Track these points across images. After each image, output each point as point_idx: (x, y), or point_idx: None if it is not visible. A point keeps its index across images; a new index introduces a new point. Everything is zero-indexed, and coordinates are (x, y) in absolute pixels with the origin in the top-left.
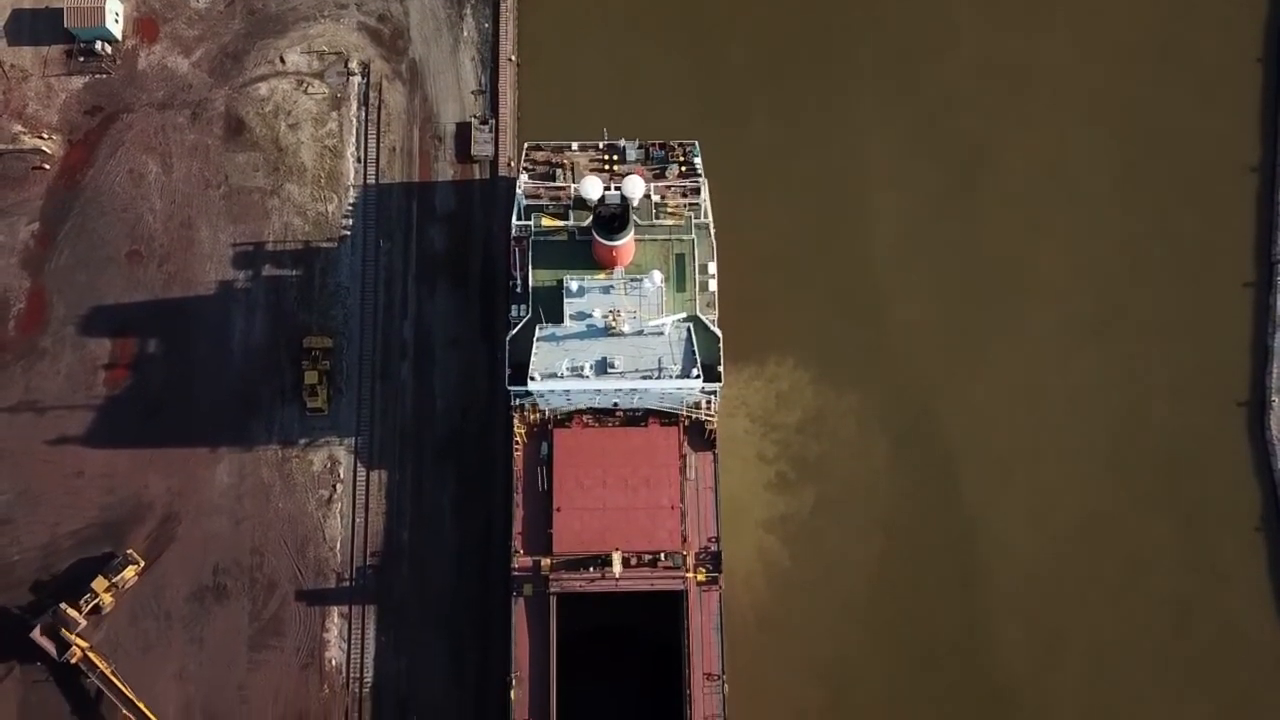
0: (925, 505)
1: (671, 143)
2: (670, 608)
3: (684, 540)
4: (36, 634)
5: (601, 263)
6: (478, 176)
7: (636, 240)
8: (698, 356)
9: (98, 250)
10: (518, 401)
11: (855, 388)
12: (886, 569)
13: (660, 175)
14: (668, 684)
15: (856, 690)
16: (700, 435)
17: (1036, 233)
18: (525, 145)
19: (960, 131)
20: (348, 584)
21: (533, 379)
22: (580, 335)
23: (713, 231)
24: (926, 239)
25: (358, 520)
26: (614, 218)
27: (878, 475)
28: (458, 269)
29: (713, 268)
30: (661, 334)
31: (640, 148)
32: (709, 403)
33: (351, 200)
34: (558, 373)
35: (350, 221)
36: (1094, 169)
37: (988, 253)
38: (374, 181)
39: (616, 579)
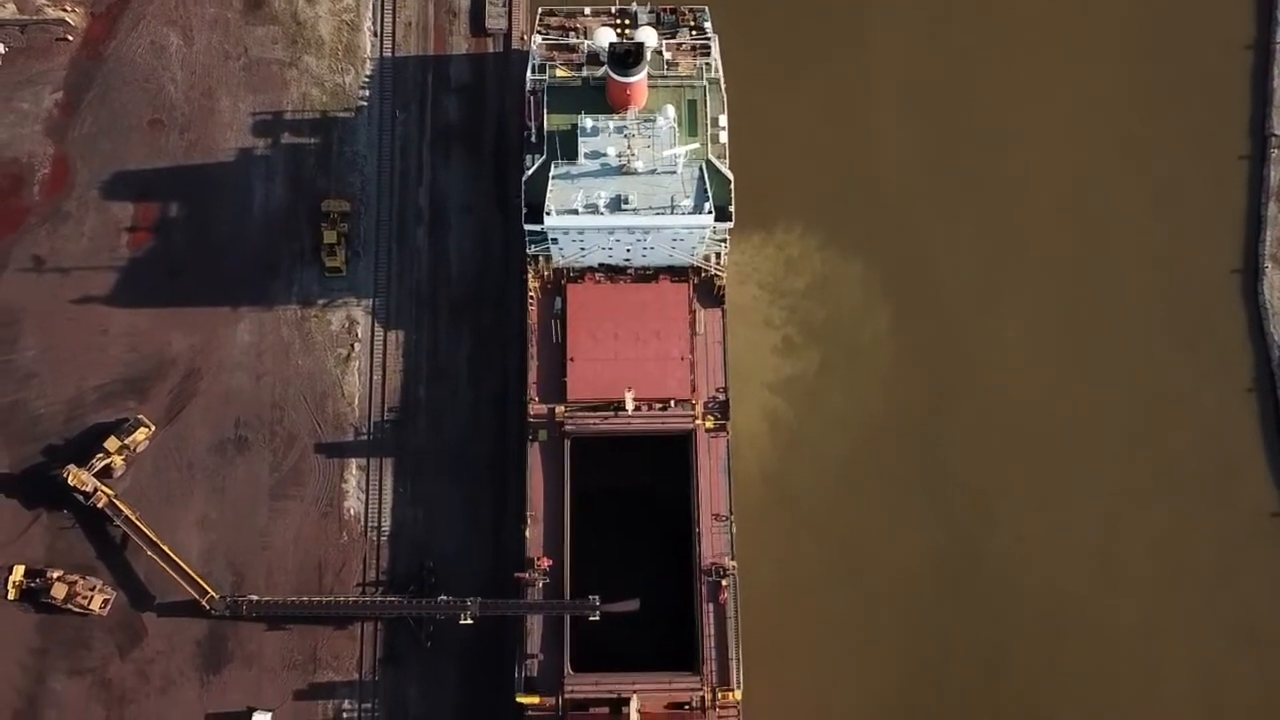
0: (926, 365)
1: (682, 8)
2: (680, 463)
3: (693, 390)
4: (65, 480)
5: (616, 104)
6: (491, 50)
7: (650, 86)
8: (710, 194)
9: (120, 118)
10: (533, 251)
11: (861, 253)
12: (888, 426)
13: (671, 38)
14: (678, 539)
15: (858, 536)
16: (709, 292)
17: (1037, 107)
18: (539, 10)
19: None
20: (365, 437)
21: (548, 214)
22: (595, 174)
23: (723, 87)
24: (931, 108)
25: (375, 377)
26: (628, 53)
27: (881, 338)
28: (472, 139)
29: (723, 120)
30: (674, 173)
31: (651, 12)
32: (719, 256)
33: (368, 72)
34: (573, 208)
35: (367, 93)
36: (1096, 46)
37: (989, 123)
38: (390, 54)
39: (629, 415)
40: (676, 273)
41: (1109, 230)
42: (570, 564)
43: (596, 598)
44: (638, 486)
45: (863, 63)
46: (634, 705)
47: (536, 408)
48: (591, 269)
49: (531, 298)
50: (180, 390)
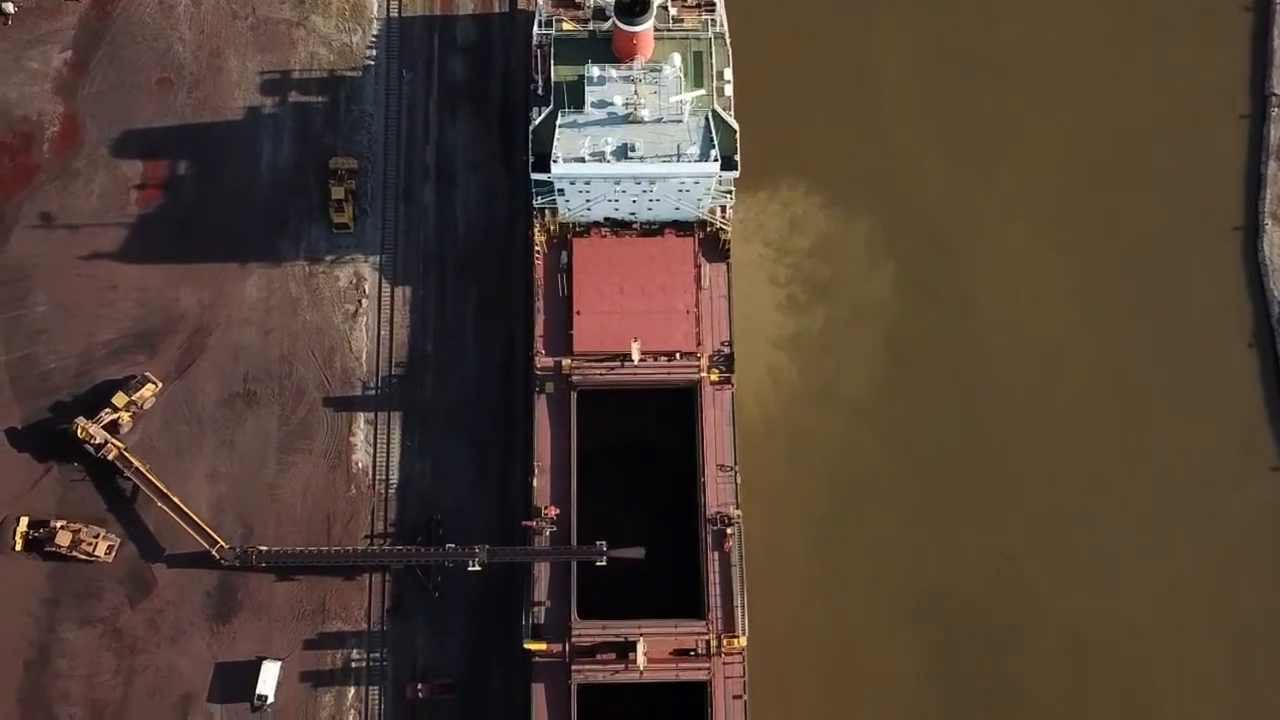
0: (928, 322)
1: None
2: (685, 419)
3: (698, 343)
4: (75, 432)
5: (622, 55)
6: (497, 9)
7: (656, 39)
8: (716, 142)
9: (129, 77)
10: (539, 204)
11: (865, 212)
12: (890, 381)
13: None
14: (683, 494)
15: (862, 489)
16: (715, 247)
17: (1042, 68)
18: None
19: None
20: (373, 392)
21: (555, 162)
22: (601, 122)
23: (729, 42)
24: (935, 67)
25: (382, 333)
26: (635, 2)
27: (884, 295)
28: (478, 98)
29: (728, 74)
30: (680, 121)
31: None
32: (724, 209)
33: (375, 32)
34: (580, 156)
35: (374, 52)
36: (1099, 8)
37: (992, 84)
38: (396, 14)
39: (635, 366)
40: (682, 227)
41: (1112, 190)
42: (577, 513)
43: (603, 543)
44: (643, 443)
45: (868, 22)
46: (641, 648)
47: (543, 360)
48: (597, 223)
49: (537, 252)
50: (189, 345)
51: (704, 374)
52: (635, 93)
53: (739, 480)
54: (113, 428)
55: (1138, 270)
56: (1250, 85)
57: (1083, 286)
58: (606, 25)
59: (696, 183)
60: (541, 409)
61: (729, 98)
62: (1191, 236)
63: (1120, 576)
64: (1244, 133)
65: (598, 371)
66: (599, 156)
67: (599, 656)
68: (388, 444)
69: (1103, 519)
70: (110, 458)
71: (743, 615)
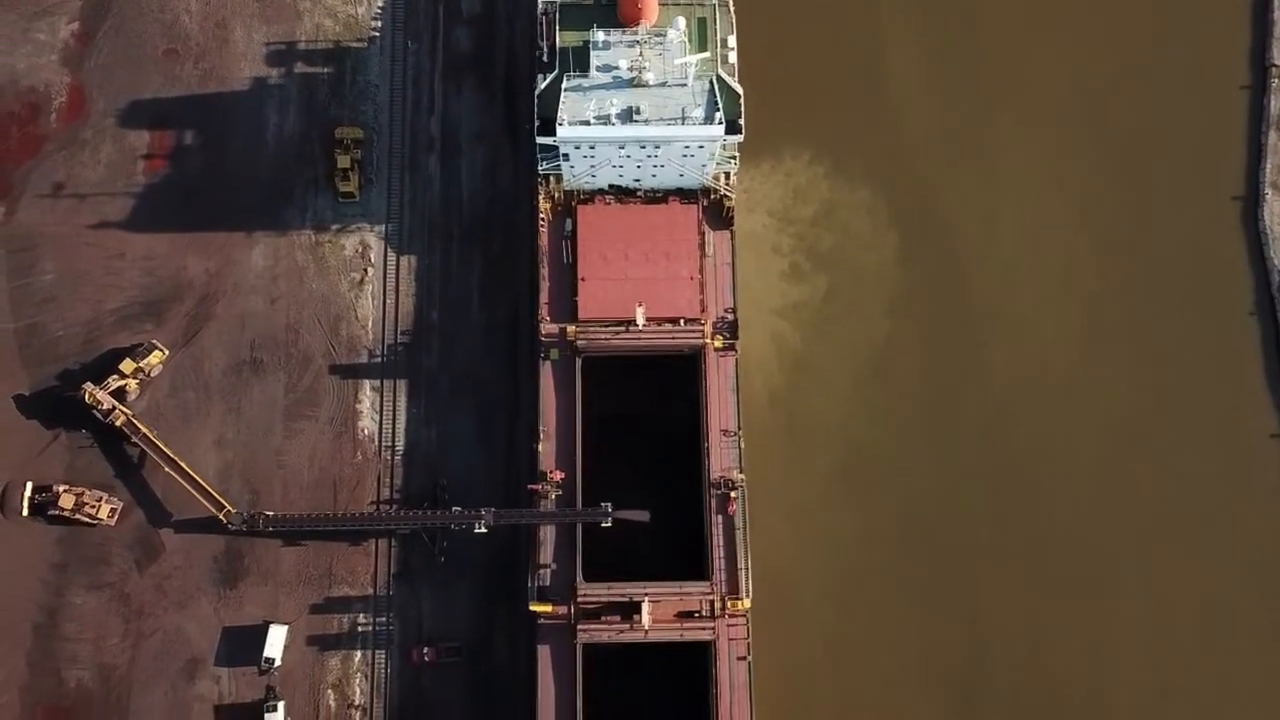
0: (931, 291)
1: None
2: (689, 387)
3: (702, 309)
4: (83, 399)
5: (627, 19)
6: None
7: (661, 3)
8: (720, 106)
9: (135, 48)
10: (544, 169)
11: (868, 181)
12: (893, 350)
13: None
14: (688, 465)
15: (863, 457)
16: (718, 214)
17: (1045, 38)
18: None
19: None
20: (379, 359)
21: (560, 125)
22: (606, 86)
23: (732, 9)
24: (938, 37)
25: (388, 301)
26: None
27: (886, 264)
28: (483, 69)
29: (732, 41)
30: (685, 85)
31: None
32: (728, 176)
33: (380, 3)
34: (585, 119)
35: (379, 24)
36: None
37: (994, 53)
38: None
39: (639, 330)
40: (686, 195)
41: (1113, 160)
42: (582, 476)
43: (609, 505)
44: (648, 409)
45: None
46: (646, 609)
47: (548, 327)
48: (601, 191)
49: (542, 219)
50: (196, 313)
51: (708, 340)
52: (640, 55)
53: (742, 445)
54: (120, 394)
55: (1139, 239)
56: (1250, 56)
57: (1084, 254)
58: None
59: (701, 146)
60: (547, 375)
61: (733, 64)
62: (1192, 206)
63: (1118, 534)
64: (1244, 103)
65: (603, 337)
66: (604, 120)
67: (604, 618)
68: (393, 411)
69: (1102, 481)
70: (118, 424)
71: (746, 578)
